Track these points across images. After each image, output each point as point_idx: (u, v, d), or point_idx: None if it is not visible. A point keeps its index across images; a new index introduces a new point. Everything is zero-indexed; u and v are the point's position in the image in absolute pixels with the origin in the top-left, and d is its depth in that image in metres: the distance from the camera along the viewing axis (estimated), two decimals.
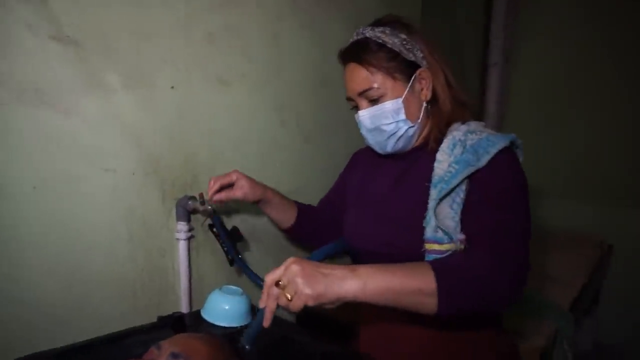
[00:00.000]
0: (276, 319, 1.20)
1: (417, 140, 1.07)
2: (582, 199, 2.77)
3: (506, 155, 0.93)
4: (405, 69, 0.99)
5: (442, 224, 0.91)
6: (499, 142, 0.92)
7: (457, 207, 0.92)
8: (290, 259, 0.78)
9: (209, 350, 0.77)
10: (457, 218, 0.91)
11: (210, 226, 1.21)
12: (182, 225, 1.20)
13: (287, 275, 0.76)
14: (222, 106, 1.30)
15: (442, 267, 0.82)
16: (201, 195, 1.18)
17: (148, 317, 1.16)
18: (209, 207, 1.16)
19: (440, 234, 0.91)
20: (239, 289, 1.21)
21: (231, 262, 1.24)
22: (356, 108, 1.06)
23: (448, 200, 0.92)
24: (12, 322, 0.96)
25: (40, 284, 0.99)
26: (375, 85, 0.98)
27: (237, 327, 1.15)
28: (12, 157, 0.93)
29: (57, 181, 1.00)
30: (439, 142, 1.01)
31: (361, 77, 0.99)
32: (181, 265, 1.22)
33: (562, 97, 2.81)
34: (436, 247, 0.91)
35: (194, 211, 1.20)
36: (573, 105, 2.78)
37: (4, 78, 0.91)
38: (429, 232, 0.92)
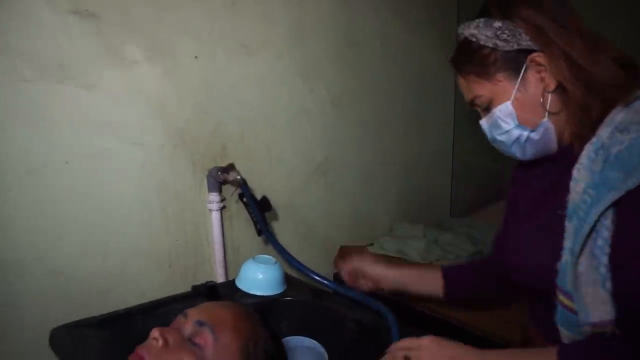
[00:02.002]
0: (315, 290, 1.20)
1: (566, 139, 0.81)
2: None
3: None
4: (509, 63, 0.79)
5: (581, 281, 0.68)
6: None
7: (601, 254, 0.66)
8: (429, 338, 0.78)
9: (234, 319, 0.77)
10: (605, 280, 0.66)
11: (240, 195, 1.21)
12: (214, 196, 1.20)
13: (417, 353, 0.77)
14: (247, 74, 1.27)
15: None
16: (231, 165, 1.17)
17: (184, 288, 1.19)
18: (239, 177, 1.15)
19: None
20: (272, 259, 1.21)
21: (259, 232, 1.24)
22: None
23: (589, 243, 0.68)
24: (52, 293, 1.01)
25: (78, 255, 1.03)
26: (479, 93, 0.83)
27: (270, 296, 1.15)
28: (42, 134, 0.96)
29: (88, 156, 1.02)
30: (583, 141, 0.75)
31: (464, 87, 0.87)
32: (215, 236, 1.23)
33: None
34: (567, 302, 0.72)
35: (225, 182, 1.20)
36: None
37: (27, 56, 0.92)
38: (561, 280, 0.73)
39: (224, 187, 1.24)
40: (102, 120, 1.03)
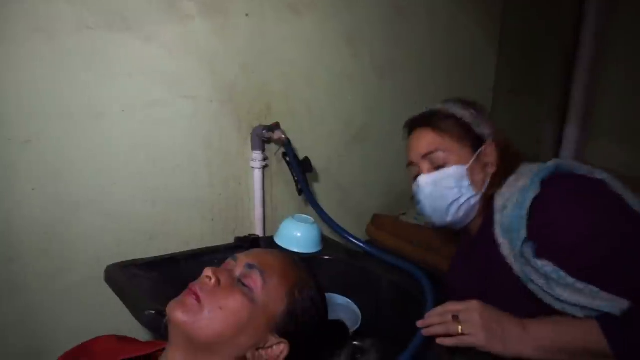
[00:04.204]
0: (350, 251, 1.23)
1: (476, 216, 0.98)
2: None
3: (549, 197, 0.83)
4: (472, 140, 0.96)
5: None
6: (525, 201, 0.83)
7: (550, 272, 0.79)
8: (475, 302, 0.81)
9: (283, 265, 0.79)
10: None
11: (284, 154, 1.24)
12: (257, 154, 1.23)
13: (468, 315, 0.79)
14: (293, 35, 1.28)
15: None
16: (276, 124, 1.19)
17: (224, 241, 1.23)
18: (283, 136, 1.18)
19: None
20: (310, 218, 1.24)
21: (300, 192, 1.26)
22: (416, 176, 1.00)
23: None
24: (104, 234, 1.07)
25: (128, 200, 1.08)
26: (442, 148, 0.95)
27: (307, 254, 1.19)
28: (102, 81, 0.99)
29: (142, 106, 1.06)
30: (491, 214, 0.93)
31: (428, 139, 0.97)
32: (256, 193, 1.27)
33: None
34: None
35: (269, 140, 1.23)
36: None
37: (92, 4, 0.95)
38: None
39: (267, 147, 1.27)
40: (157, 72, 1.06)
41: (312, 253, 1.20)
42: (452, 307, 0.82)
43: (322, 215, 1.26)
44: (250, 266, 0.76)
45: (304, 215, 1.25)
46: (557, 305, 0.79)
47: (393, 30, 1.52)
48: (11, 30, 0.88)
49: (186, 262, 1.08)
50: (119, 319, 1.07)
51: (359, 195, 1.57)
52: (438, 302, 0.89)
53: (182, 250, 1.14)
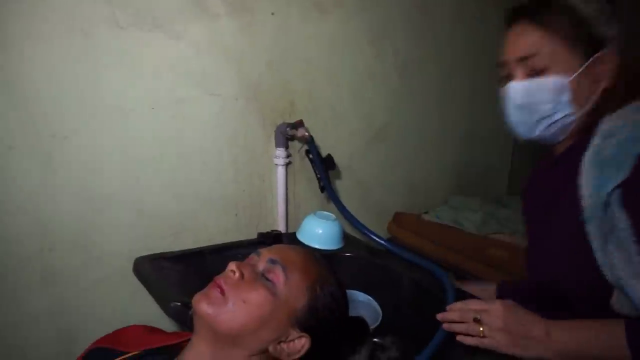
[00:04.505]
0: (371, 249, 1.24)
1: (567, 137, 0.84)
2: None
3: None
4: (587, 44, 0.77)
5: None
6: None
7: (629, 244, 0.68)
8: (498, 304, 0.79)
9: (304, 261, 0.81)
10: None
11: (307, 152, 1.25)
12: (281, 151, 1.25)
13: (490, 318, 0.78)
14: (318, 33, 1.29)
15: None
16: (300, 122, 1.21)
17: (247, 237, 1.26)
18: (307, 134, 1.19)
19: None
20: (332, 215, 1.25)
21: (322, 189, 1.28)
22: (506, 78, 0.87)
23: (614, 235, 0.71)
24: (133, 227, 1.10)
25: (157, 195, 1.11)
26: (546, 51, 0.79)
27: (329, 250, 1.20)
28: (133, 78, 1.03)
29: (171, 103, 1.09)
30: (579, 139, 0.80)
31: (531, 39, 0.80)
32: (279, 189, 1.29)
33: None
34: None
35: (293, 137, 1.24)
36: None
37: (124, 4, 0.98)
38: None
39: (290, 144, 1.29)
40: (185, 69, 1.08)
41: (334, 250, 1.21)
42: (474, 305, 0.81)
43: (344, 213, 1.27)
44: (272, 261, 0.78)
45: (325, 212, 1.26)
46: (606, 271, 0.72)
47: (416, 29, 1.51)
48: (50, 30, 0.92)
49: (211, 256, 1.11)
50: (146, 310, 1.11)
51: (380, 193, 1.58)
52: (458, 298, 0.89)
53: (206, 244, 1.17)
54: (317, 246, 1.20)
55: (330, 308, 0.75)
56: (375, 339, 0.90)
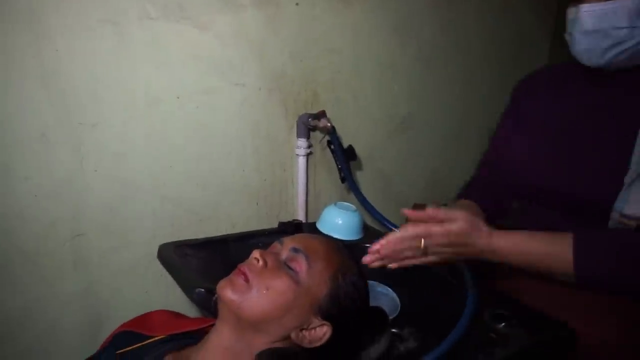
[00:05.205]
0: None
1: (636, 65, 0.80)
2: None
3: None
4: None
5: None
6: None
7: None
8: (445, 227, 0.77)
9: (327, 250, 0.82)
10: None
11: (329, 142, 1.26)
12: (302, 142, 1.26)
13: (433, 240, 0.78)
14: (342, 24, 1.29)
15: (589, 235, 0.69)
16: (322, 112, 1.21)
17: (268, 225, 1.28)
18: (329, 124, 1.20)
19: None
20: (352, 206, 1.26)
21: (343, 179, 1.28)
22: (575, 2, 0.81)
23: None
24: (159, 215, 1.13)
25: (182, 184, 1.14)
26: None
27: (349, 241, 1.21)
28: (160, 68, 1.04)
29: (196, 93, 1.10)
30: None
31: None
32: (299, 179, 1.30)
33: None
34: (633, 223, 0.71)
35: (315, 128, 1.25)
36: None
37: None
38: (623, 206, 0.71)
39: (312, 134, 1.30)
40: (211, 60, 1.10)
41: (353, 240, 1.22)
42: (415, 230, 0.78)
43: (364, 203, 1.28)
44: (295, 250, 0.79)
45: (345, 203, 1.27)
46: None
47: (441, 19, 1.49)
48: (82, 22, 0.94)
49: (234, 244, 1.13)
50: (169, 296, 1.14)
51: (401, 184, 1.58)
52: (479, 293, 0.89)
53: (228, 232, 1.19)
54: (336, 236, 1.21)
55: (352, 297, 0.76)
56: (393, 330, 0.90)
